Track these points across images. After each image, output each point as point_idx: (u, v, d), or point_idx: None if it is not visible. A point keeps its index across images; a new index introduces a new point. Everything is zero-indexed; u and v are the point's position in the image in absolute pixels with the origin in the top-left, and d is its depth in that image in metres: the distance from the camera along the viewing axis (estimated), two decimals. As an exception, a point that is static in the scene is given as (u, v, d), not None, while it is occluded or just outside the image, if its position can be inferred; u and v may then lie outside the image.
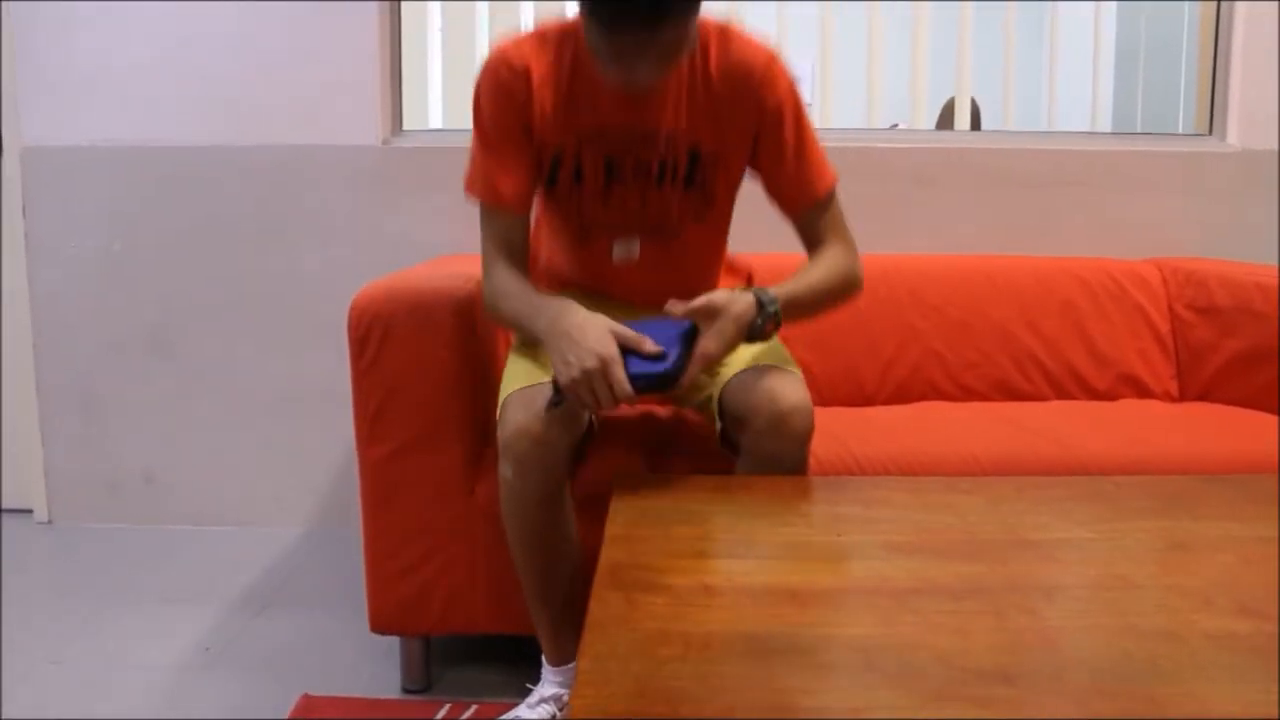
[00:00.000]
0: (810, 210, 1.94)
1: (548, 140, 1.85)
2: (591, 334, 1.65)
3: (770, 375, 1.79)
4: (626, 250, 1.91)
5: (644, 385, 1.64)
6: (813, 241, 1.95)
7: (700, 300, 1.71)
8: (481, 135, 1.86)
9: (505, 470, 1.76)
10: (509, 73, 1.81)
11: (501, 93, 1.82)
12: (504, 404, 1.78)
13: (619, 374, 1.62)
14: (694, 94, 1.83)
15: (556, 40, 1.83)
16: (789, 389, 1.75)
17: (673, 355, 1.67)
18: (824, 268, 1.92)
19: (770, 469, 1.78)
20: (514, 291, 1.85)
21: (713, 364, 1.76)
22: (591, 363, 1.61)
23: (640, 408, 2.13)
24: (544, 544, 1.86)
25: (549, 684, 1.96)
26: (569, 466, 1.81)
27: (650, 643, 1.04)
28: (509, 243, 1.87)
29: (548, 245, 2.04)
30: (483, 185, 1.87)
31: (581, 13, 1.65)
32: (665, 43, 1.64)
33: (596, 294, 1.95)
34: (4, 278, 3.09)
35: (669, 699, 0.93)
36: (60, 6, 2.94)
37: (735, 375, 1.83)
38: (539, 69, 1.81)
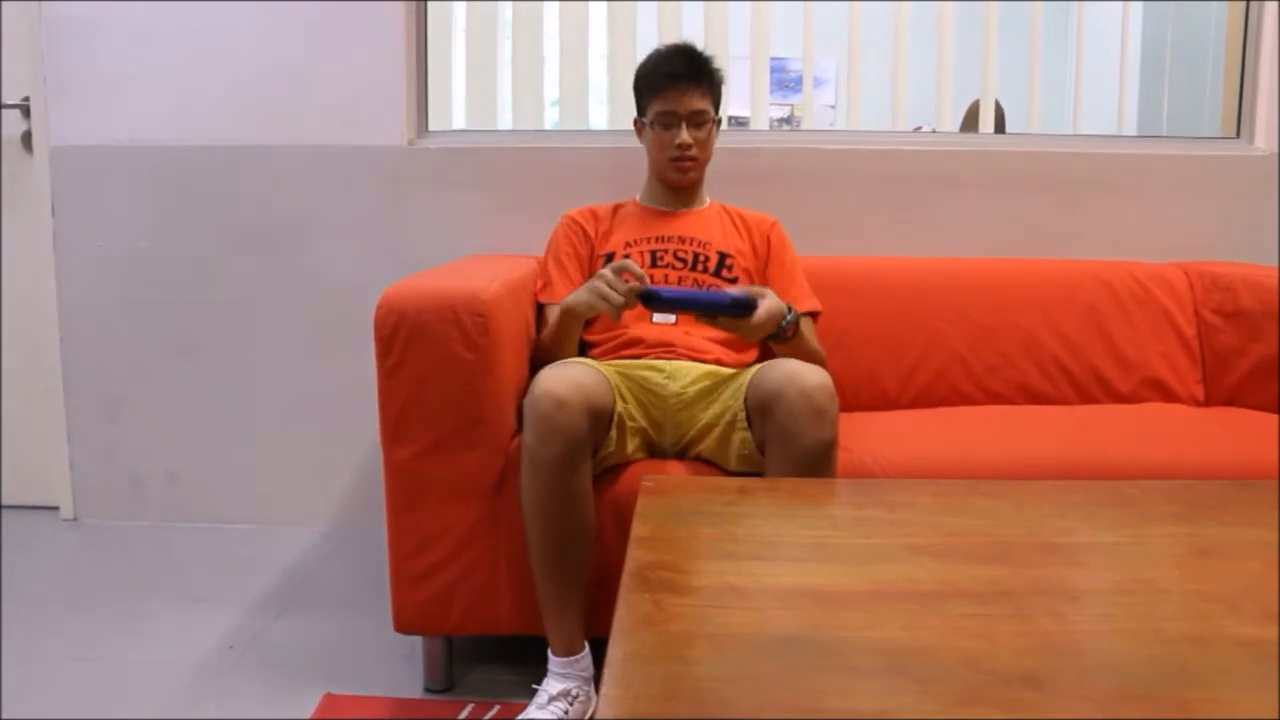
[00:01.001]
0: (801, 316, 2.33)
1: (601, 249, 2.47)
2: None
3: (790, 362, 2.02)
4: (665, 314, 2.28)
5: (664, 299, 2.03)
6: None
7: (755, 287, 2.17)
8: (554, 255, 2.48)
9: (528, 437, 1.90)
10: (576, 214, 2.54)
11: (570, 226, 2.51)
12: (534, 381, 1.94)
13: (602, 272, 2.06)
14: (723, 224, 2.52)
15: (613, 205, 2.56)
16: (809, 370, 1.95)
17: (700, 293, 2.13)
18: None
19: (799, 451, 1.87)
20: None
21: (771, 318, 2.10)
22: (591, 287, 2.07)
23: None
24: (561, 514, 1.92)
25: (555, 679, 1.96)
26: (590, 438, 1.93)
27: (677, 644, 1.04)
28: None
29: (602, 321, 2.36)
30: (547, 293, 2.43)
31: (644, 96, 2.45)
32: (699, 99, 2.40)
33: (639, 343, 2.31)
34: (33, 277, 3.12)
35: (696, 700, 0.93)
36: (89, 8, 2.97)
37: (758, 370, 2.04)
38: (600, 213, 2.54)
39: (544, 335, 2.30)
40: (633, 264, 2.08)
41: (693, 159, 2.43)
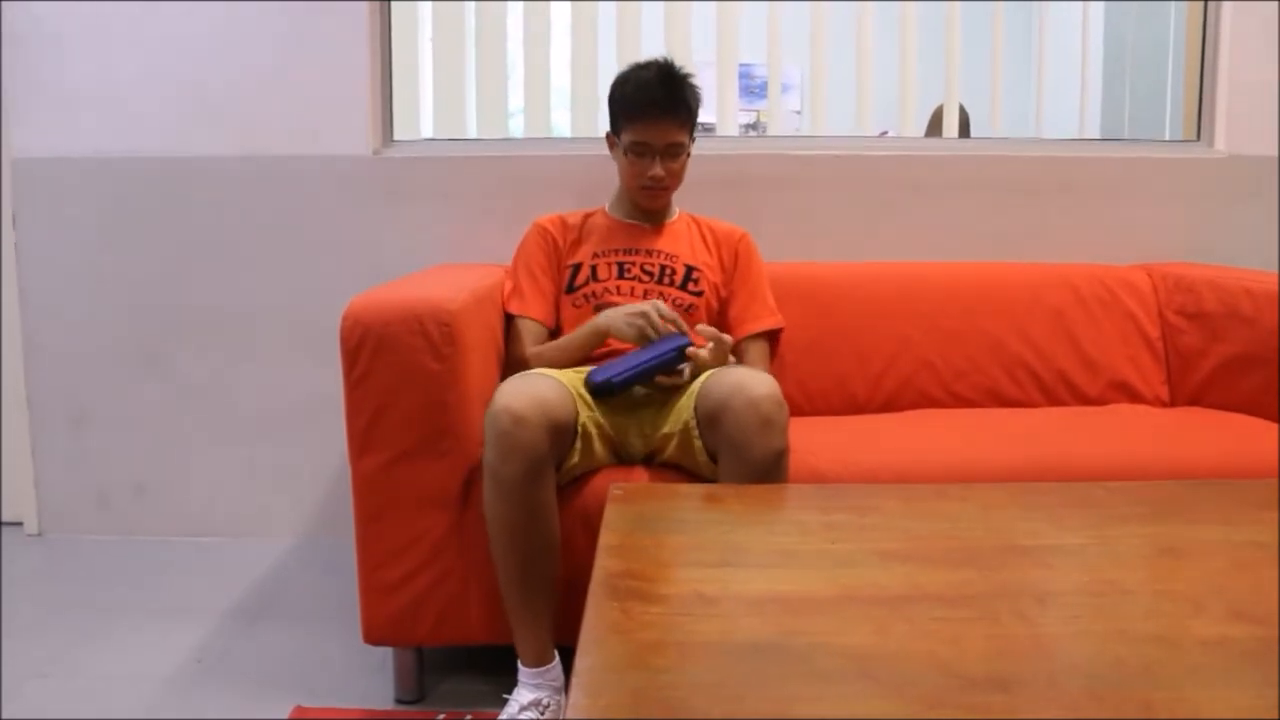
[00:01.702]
0: (755, 337, 2.46)
1: (568, 259, 2.45)
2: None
3: (738, 371, 2.02)
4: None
5: (617, 384, 2.06)
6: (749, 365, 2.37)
7: (712, 330, 2.15)
8: (525, 264, 2.46)
9: (489, 454, 1.89)
10: (548, 222, 2.51)
11: (542, 235, 2.48)
12: (494, 395, 1.93)
13: (651, 311, 2.15)
14: (691, 236, 2.51)
15: (583, 213, 2.54)
16: (757, 379, 1.94)
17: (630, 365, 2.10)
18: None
19: (750, 463, 1.86)
20: (549, 344, 2.36)
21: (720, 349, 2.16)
22: (632, 323, 2.15)
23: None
24: (525, 530, 1.91)
25: (526, 689, 1.95)
26: (552, 454, 1.91)
27: (645, 652, 1.04)
28: (537, 338, 2.39)
29: (569, 326, 2.41)
30: (518, 302, 2.42)
31: (618, 119, 2.40)
32: (675, 132, 2.35)
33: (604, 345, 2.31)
34: (-7, 290, 3.09)
35: (666, 709, 0.93)
36: (49, 18, 2.94)
37: (706, 379, 2.03)
38: (570, 221, 2.51)
39: (548, 350, 2.33)
40: (680, 321, 2.17)
41: (664, 188, 2.43)
